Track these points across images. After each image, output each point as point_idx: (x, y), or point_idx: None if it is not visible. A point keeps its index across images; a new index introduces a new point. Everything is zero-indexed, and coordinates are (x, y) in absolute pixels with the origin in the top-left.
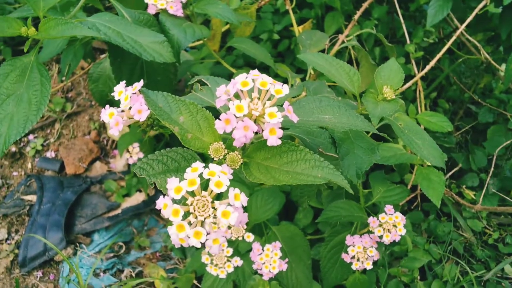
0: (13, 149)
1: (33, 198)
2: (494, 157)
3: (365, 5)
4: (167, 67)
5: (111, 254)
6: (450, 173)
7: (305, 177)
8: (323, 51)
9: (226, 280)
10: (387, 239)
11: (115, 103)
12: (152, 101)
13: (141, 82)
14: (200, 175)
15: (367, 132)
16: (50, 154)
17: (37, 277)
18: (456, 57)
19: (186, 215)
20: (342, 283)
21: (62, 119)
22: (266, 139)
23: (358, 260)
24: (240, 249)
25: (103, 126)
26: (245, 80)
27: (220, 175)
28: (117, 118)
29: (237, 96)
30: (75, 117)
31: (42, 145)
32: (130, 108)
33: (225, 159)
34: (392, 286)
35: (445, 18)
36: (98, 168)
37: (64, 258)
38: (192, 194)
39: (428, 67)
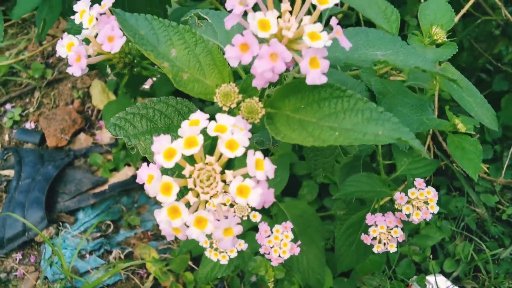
0: None
1: (10, 173)
2: None
3: None
4: (155, 10)
5: (98, 234)
6: None
7: (359, 135)
8: None
9: (227, 266)
10: (416, 218)
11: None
12: (130, 26)
13: None
14: (203, 131)
15: None
16: (29, 125)
17: (16, 259)
18: (469, 21)
19: (183, 192)
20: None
21: (42, 86)
22: (302, 77)
23: (380, 242)
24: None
25: (87, 95)
26: None
27: (233, 131)
28: (78, 50)
29: (256, 8)
30: (57, 85)
31: (20, 115)
32: (97, 35)
33: (239, 109)
34: (403, 266)
35: None
36: (82, 141)
37: (45, 239)
38: (191, 160)
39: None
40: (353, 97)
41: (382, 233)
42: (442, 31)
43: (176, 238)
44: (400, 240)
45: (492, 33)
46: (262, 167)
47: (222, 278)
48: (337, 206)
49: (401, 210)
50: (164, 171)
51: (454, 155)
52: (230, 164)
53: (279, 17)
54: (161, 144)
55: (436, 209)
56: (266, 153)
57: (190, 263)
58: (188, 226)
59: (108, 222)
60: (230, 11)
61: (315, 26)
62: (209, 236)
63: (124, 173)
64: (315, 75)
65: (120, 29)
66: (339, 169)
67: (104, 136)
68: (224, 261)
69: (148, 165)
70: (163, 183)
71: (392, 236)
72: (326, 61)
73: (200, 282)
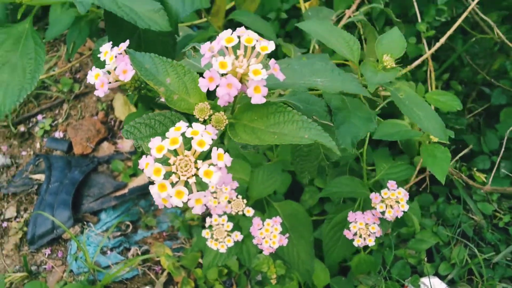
0: (22, 129)
1: (41, 177)
2: (505, 139)
3: None
4: (165, 39)
5: (118, 233)
6: (461, 154)
7: (290, 138)
8: None
9: (227, 255)
10: (389, 215)
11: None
12: (138, 62)
13: (127, 42)
14: (183, 134)
15: (374, 109)
16: (58, 134)
17: (45, 254)
18: (469, 38)
19: (169, 174)
20: (348, 264)
21: (70, 99)
22: (251, 98)
23: (360, 236)
24: (242, 226)
25: (110, 107)
26: (230, 36)
27: (203, 134)
28: (102, 79)
29: (222, 53)
30: (83, 98)
31: (50, 125)
32: (115, 68)
33: (210, 120)
34: (398, 267)
35: None
36: (106, 149)
37: (72, 236)
38: (175, 153)
39: (438, 44)
40: (292, 112)
41: (361, 228)
42: (391, 59)
43: (189, 238)
44: (378, 235)
45: (492, 50)
46: (222, 158)
47: (230, 276)
48: (333, 207)
49: (376, 208)
50: (156, 160)
51: (426, 161)
52: (207, 158)
53: (237, 58)
54: (154, 142)
55: (406, 207)
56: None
57: (200, 260)
58: (171, 197)
59: (128, 222)
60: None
61: (257, 65)
62: (210, 227)
63: (143, 178)
64: (257, 98)
65: (131, 64)
66: (329, 175)
67: (125, 144)
68: (222, 250)
69: (146, 156)
70: (155, 168)
71: (370, 232)
72: (265, 88)
73: (204, 270)
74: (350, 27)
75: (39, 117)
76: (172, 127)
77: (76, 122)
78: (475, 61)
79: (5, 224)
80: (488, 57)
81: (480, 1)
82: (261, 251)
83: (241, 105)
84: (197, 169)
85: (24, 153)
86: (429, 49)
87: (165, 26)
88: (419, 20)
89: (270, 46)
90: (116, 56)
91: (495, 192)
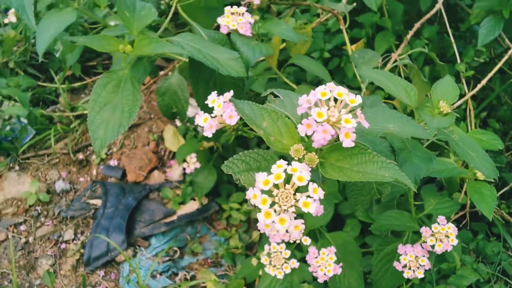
0: (81, 156)
1: (97, 202)
2: None
3: (417, 25)
4: (237, 81)
5: (167, 258)
6: (500, 192)
7: (373, 176)
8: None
9: (282, 281)
10: (439, 249)
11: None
12: (240, 108)
13: (231, 92)
14: (285, 171)
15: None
16: (113, 162)
17: (99, 275)
18: (507, 77)
19: (272, 204)
20: None
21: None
22: (341, 142)
23: (409, 268)
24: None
25: (161, 138)
26: (324, 91)
27: (301, 171)
28: (211, 122)
29: (316, 104)
30: (136, 129)
31: (106, 154)
32: (221, 114)
33: (303, 159)
34: None
35: (496, 38)
36: (156, 177)
37: (127, 259)
38: (277, 187)
39: (479, 86)
40: (372, 153)
41: (411, 261)
42: (447, 105)
43: (232, 266)
44: (427, 268)
45: None
46: (317, 192)
47: None
48: (377, 243)
49: (426, 242)
50: (263, 192)
51: (473, 198)
52: (299, 190)
53: (329, 108)
54: (261, 177)
55: (455, 242)
56: None
57: None
58: (274, 223)
59: (175, 248)
60: (300, 105)
61: (347, 115)
62: (269, 255)
63: (190, 206)
64: (347, 142)
65: (235, 110)
66: (376, 210)
67: (174, 174)
68: (280, 276)
69: (253, 189)
70: (262, 198)
71: (419, 264)
72: (354, 134)
73: None
74: (391, 68)
75: None
76: (273, 164)
77: (130, 152)
78: None
79: (63, 245)
80: None
81: None
82: (304, 281)
83: (327, 147)
84: (296, 200)
85: (82, 179)
86: (468, 88)
87: (243, 72)
88: (458, 60)
89: (358, 99)
90: (221, 104)
91: None
